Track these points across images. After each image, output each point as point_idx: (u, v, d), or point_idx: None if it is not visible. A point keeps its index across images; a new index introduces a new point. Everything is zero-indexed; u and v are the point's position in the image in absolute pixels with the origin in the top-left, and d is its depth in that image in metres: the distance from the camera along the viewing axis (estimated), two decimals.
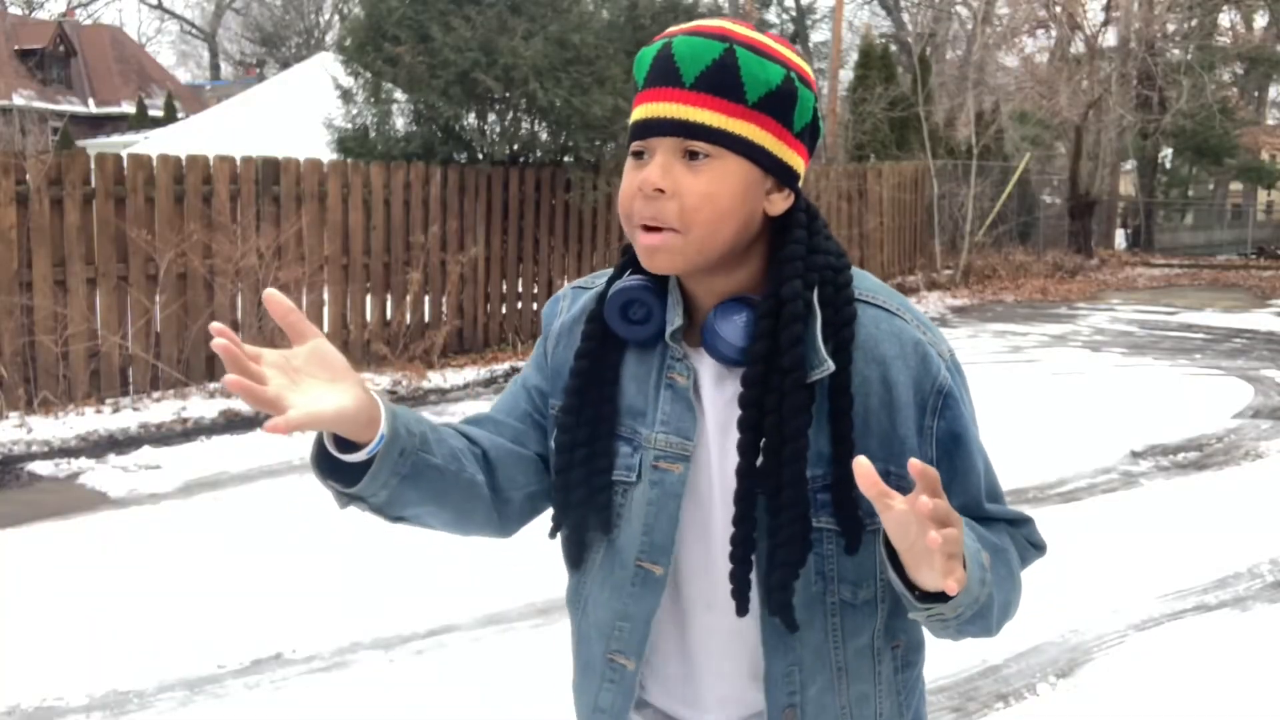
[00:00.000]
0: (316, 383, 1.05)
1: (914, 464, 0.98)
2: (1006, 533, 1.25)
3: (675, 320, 1.20)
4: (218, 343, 0.98)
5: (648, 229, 1.14)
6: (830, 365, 1.13)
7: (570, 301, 1.33)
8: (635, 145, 1.15)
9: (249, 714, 3.30)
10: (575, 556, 1.29)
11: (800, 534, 1.14)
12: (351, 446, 1.09)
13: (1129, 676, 3.53)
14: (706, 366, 1.21)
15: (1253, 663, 3.65)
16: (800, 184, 1.19)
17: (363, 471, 1.10)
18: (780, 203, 1.17)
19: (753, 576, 1.17)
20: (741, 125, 1.12)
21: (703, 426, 1.21)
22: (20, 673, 3.51)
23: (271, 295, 1.03)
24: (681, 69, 1.12)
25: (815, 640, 1.21)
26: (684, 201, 1.11)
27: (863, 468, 0.97)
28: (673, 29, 1.16)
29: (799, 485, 1.13)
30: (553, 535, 1.31)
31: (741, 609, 1.17)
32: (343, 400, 1.04)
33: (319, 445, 1.11)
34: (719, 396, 1.20)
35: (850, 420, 1.14)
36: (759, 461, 1.14)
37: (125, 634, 3.82)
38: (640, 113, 1.15)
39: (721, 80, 1.11)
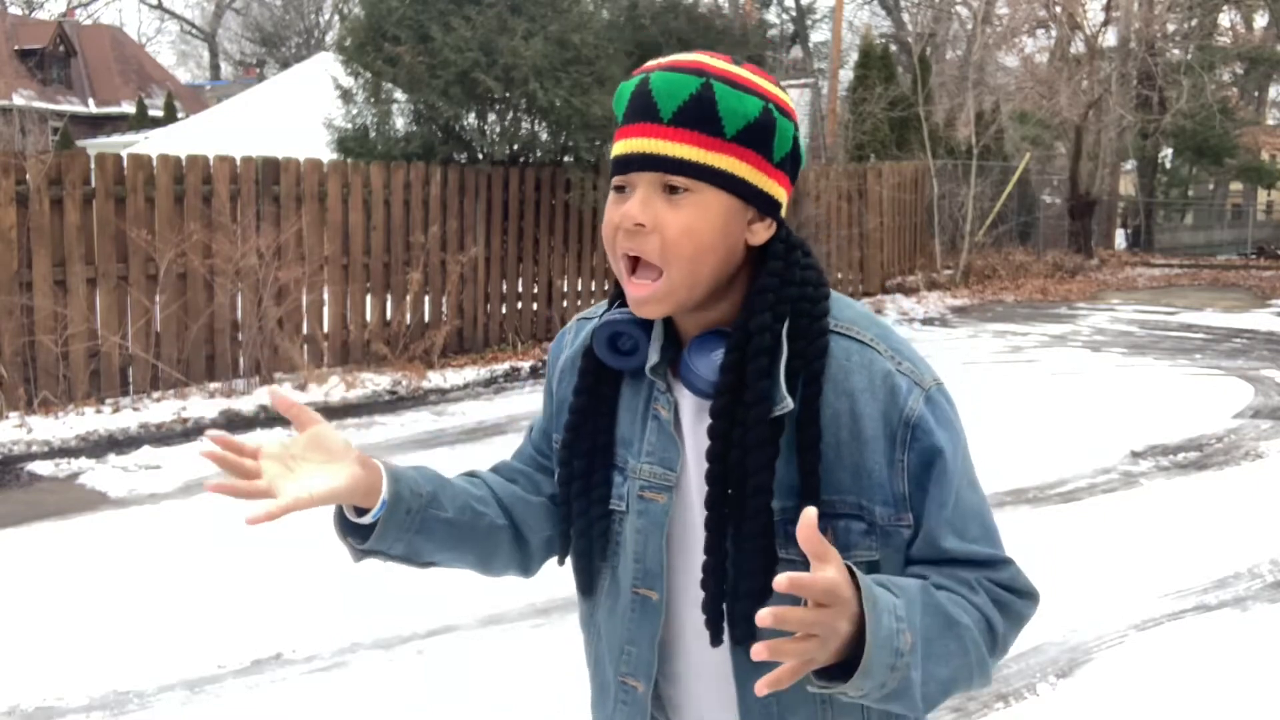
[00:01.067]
0: (312, 466, 1.13)
1: (781, 580, 0.94)
2: (983, 589, 1.17)
3: (654, 356, 1.21)
4: (206, 450, 1.07)
5: (630, 260, 1.15)
6: (789, 403, 1.13)
7: (574, 335, 1.36)
8: (616, 180, 1.17)
9: (249, 714, 3.30)
10: (584, 584, 1.32)
11: (763, 566, 1.14)
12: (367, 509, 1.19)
13: (1129, 676, 3.53)
14: (687, 399, 1.22)
15: (1253, 663, 3.66)
16: (783, 213, 1.19)
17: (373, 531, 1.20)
18: (763, 232, 1.17)
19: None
20: (720, 159, 1.12)
21: (684, 458, 1.22)
22: (20, 673, 3.52)
23: (275, 393, 1.13)
24: (659, 104, 1.13)
25: None
26: (665, 235, 1.12)
27: (806, 518, 0.95)
28: (650, 64, 1.17)
29: (761, 517, 1.14)
30: (561, 563, 1.34)
31: (715, 639, 1.17)
32: (334, 480, 1.12)
33: (339, 509, 1.21)
34: (699, 428, 1.21)
35: (818, 453, 1.13)
36: (730, 492, 1.15)
37: (125, 634, 3.82)
38: (620, 148, 1.16)
39: (699, 115, 1.11)
